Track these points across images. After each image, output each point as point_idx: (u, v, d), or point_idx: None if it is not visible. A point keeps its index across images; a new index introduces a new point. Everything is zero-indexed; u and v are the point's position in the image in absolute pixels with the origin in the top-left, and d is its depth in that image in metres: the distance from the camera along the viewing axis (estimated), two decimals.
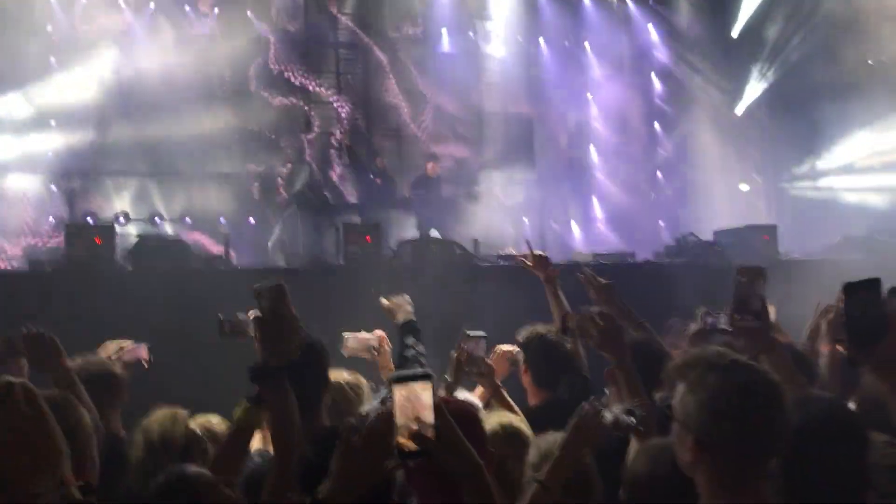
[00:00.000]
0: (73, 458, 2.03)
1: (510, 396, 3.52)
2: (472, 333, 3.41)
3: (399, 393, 1.71)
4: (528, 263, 4.18)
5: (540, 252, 3.99)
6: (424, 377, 1.74)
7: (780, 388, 1.91)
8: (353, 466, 1.72)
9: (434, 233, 10.23)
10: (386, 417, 1.72)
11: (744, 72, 14.33)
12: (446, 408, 1.83)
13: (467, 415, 2.00)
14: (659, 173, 14.75)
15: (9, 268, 9.04)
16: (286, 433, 2.18)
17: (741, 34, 14.23)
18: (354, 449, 1.72)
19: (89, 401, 2.61)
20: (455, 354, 3.43)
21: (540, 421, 3.13)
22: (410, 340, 3.43)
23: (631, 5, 15.05)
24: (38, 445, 1.19)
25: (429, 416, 1.71)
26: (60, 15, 11.55)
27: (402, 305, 3.70)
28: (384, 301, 3.76)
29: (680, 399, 1.94)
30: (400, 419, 1.70)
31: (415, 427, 1.70)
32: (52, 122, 11.57)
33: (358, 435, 1.74)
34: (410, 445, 1.71)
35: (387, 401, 1.81)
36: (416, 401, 1.71)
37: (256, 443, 3.32)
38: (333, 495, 1.71)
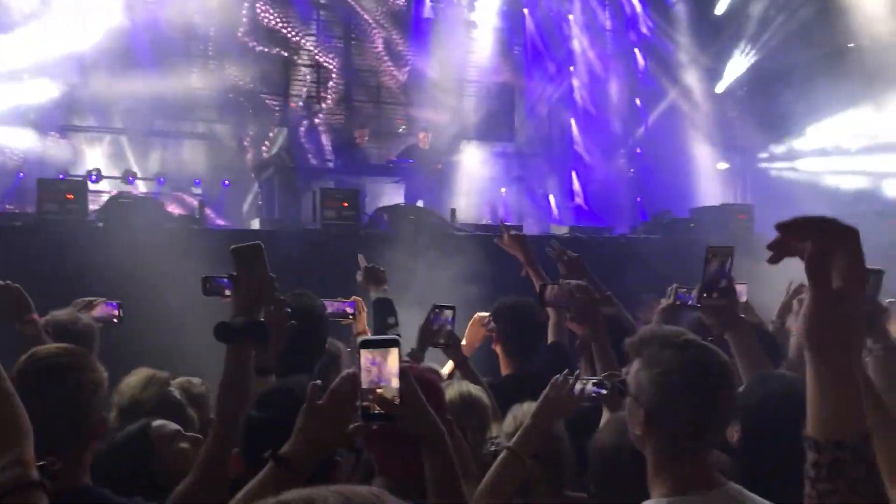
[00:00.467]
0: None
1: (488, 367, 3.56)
2: (440, 305, 3.44)
3: (366, 357, 1.73)
4: (504, 243, 4.18)
5: (515, 232, 3.98)
6: (392, 343, 1.76)
7: (731, 368, 1.99)
8: (318, 426, 1.73)
9: (420, 203, 10.21)
10: (351, 379, 1.74)
11: (726, 49, 14.33)
12: (432, 372, 1.85)
13: (428, 381, 2.02)
14: (639, 150, 14.78)
15: None
16: (235, 393, 2.16)
17: (726, 12, 14.19)
18: (319, 408, 1.73)
19: None
20: (421, 325, 3.46)
21: (509, 390, 3.16)
22: (392, 320, 3.50)
23: None
24: None
25: (394, 381, 1.73)
26: None
27: (380, 280, 3.78)
28: (363, 262, 3.83)
29: (634, 374, 1.99)
30: (365, 382, 1.72)
31: (379, 391, 1.72)
32: (25, 76, 11.32)
33: (323, 395, 1.75)
34: (374, 408, 1.72)
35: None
36: (382, 365, 1.73)
37: None
38: (296, 454, 1.71)
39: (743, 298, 3.79)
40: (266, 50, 12.89)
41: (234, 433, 2.10)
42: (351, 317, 3.91)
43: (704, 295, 2.71)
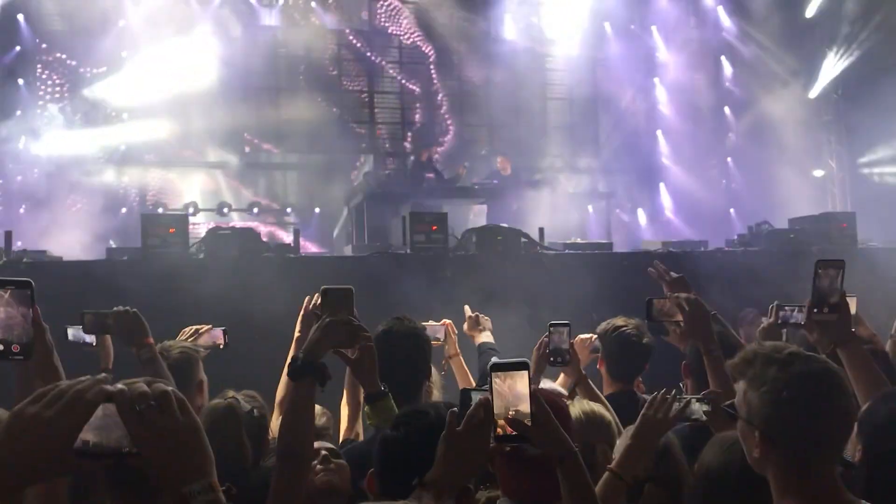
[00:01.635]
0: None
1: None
2: (556, 323, 3.42)
3: (497, 381, 1.79)
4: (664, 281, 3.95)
5: (677, 276, 3.77)
6: (521, 366, 1.80)
7: (841, 376, 1.91)
8: (458, 453, 1.80)
9: (503, 224, 10.20)
10: (485, 404, 1.80)
11: (818, 53, 13.85)
12: (559, 397, 1.88)
13: (555, 404, 2.04)
14: (729, 159, 14.39)
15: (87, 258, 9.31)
16: (294, 429, 2.22)
17: (816, 14, 13.72)
18: (458, 435, 1.80)
19: (171, 377, 2.74)
20: (538, 344, 3.46)
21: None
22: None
23: None
24: (192, 451, 1.26)
25: (525, 403, 1.79)
26: (132, 9, 11.84)
27: (484, 327, 4.06)
28: (468, 311, 4.14)
29: (742, 396, 1.94)
30: (498, 406, 1.78)
31: (511, 413, 1.79)
32: (125, 115, 11.91)
33: (460, 422, 1.82)
34: (508, 430, 1.80)
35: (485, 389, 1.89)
36: (512, 388, 1.79)
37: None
38: (440, 479, 1.79)
39: (853, 311, 3.63)
40: (352, 80, 13.21)
41: (298, 467, 2.18)
42: (440, 340, 3.97)
43: (815, 310, 2.62)
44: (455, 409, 1.86)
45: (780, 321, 3.33)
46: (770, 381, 1.86)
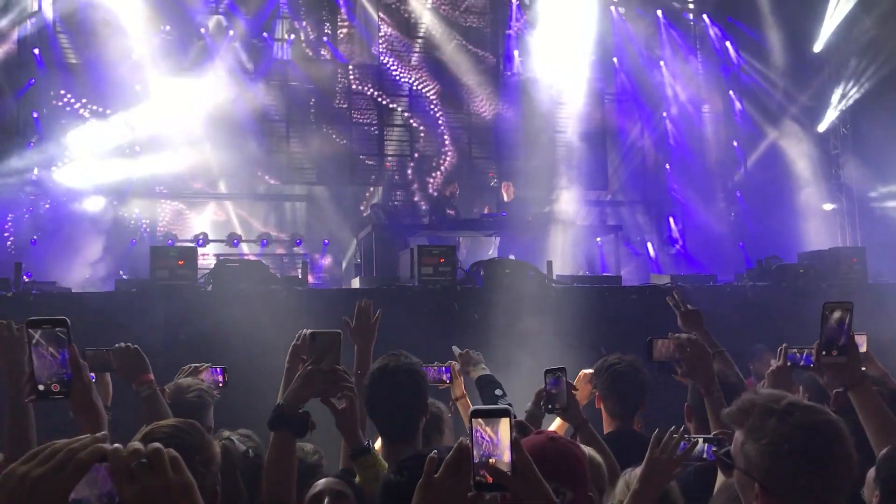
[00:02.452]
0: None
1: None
2: (550, 369, 3.38)
3: (477, 426, 1.73)
4: (679, 312, 3.93)
5: (692, 308, 3.77)
6: (503, 413, 1.75)
7: (841, 426, 1.87)
8: (433, 497, 1.74)
9: (512, 256, 10.20)
10: (463, 450, 1.74)
11: (826, 87, 13.89)
12: (572, 444, 1.82)
13: (571, 455, 1.98)
14: (738, 192, 14.39)
15: (96, 290, 9.35)
16: (277, 476, 2.22)
17: (824, 49, 13.79)
18: (435, 482, 1.74)
19: (170, 414, 2.76)
20: (537, 392, 3.42)
21: (611, 450, 3.07)
22: (499, 392, 3.50)
23: (707, 21, 14.81)
24: None
25: (506, 452, 1.72)
26: (145, 43, 12.00)
27: (476, 361, 3.92)
28: (457, 350, 4.00)
29: (740, 447, 1.90)
30: (477, 454, 1.72)
31: (492, 461, 1.72)
32: (137, 149, 12.03)
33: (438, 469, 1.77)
34: (488, 479, 1.72)
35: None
36: (493, 435, 1.73)
37: None
38: None
39: (863, 349, 3.59)
40: (361, 114, 13.33)
41: None
42: (447, 382, 3.94)
43: (824, 353, 2.60)
44: (434, 454, 1.81)
45: (788, 363, 3.31)
46: (770, 434, 1.83)
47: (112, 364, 3.05)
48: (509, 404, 3.36)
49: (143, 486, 1.21)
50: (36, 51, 11.80)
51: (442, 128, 13.83)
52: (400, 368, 2.91)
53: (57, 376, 2.00)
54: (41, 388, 1.99)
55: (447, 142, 13.84)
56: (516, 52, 14.08)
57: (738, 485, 1.92)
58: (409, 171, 13.50)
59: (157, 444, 1.26)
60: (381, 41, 13.64)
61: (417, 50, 13.84)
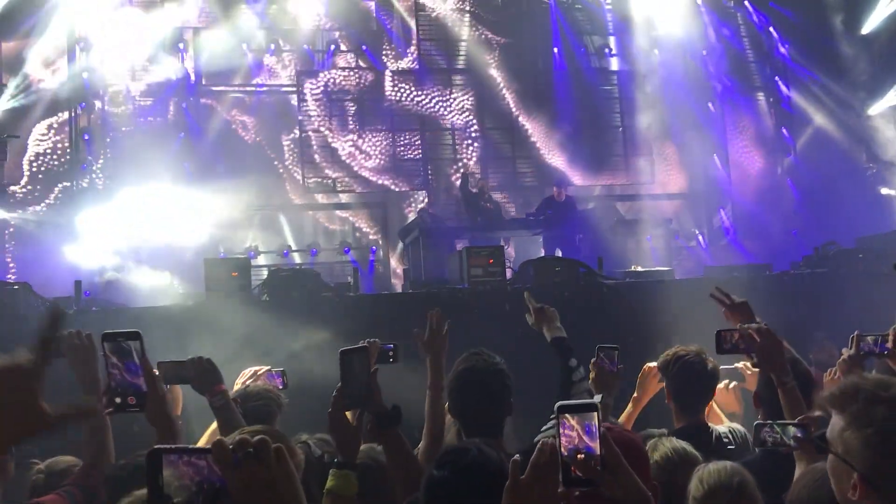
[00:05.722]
0: None
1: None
2: (604, 346, 3.39)
3: (564, 421, 1.70)
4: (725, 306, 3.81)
5: (740, 299, 3.63)
6: (590, 407, 1.71)
7: None
8: (522, 501, 1.69)
9: (558, 252, 10.15)
10: (550, 448, 1.70)
11: (878, 69, 13.51)
12: (631, 433, 1.80)
13: (632, 446, 1.95)
14: (789, 180, 14.09)
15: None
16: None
17: (875, 30, 13.42)
18: (522, 484, 1.69)
19: (244, 423, 2.78)
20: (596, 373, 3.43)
21: None
22: (573, 362, 3.41)
23: (749, 7, 14.53)
24: (285, 501, 1.32)
25: (595, 445, 1.69)
26: (192, 59, 12.24)
27: (552, 318, 3.66)
28: (532, 302, 3.72)
29: (839, 433, 1.81)
30: (565, 448, 1.69)
31: (580, 456, 1.69)
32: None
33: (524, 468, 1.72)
34: (577, 474, 1.68)
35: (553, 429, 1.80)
36: (581, 429, 1.69)
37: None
38: None
39: None
40: (404, 118, 13.39)
41: None
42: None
43: None
44: (517, 457, 1.76)
45: (861, 352, 3.22)
46: (878, 423, 1.74)
47: (186, 375, 3.08)
48: (583, 374, 3.40)
49: (249, 474, 1.27)
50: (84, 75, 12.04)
51: (483, 129, 13.80)
52: (485, 367, 2.96)
53: (133, 388, 2.03)
54: (118, 400, 2.03)
55: (488, 142, 13.82)
56: (555, 49, 14.01)
57: (831, 471, 1.84)
58: (452, 175, 13.51)
59: (263, 436, 1.32)
60: (419, 49, 13.69)
61: (458, 51, 13.85)
